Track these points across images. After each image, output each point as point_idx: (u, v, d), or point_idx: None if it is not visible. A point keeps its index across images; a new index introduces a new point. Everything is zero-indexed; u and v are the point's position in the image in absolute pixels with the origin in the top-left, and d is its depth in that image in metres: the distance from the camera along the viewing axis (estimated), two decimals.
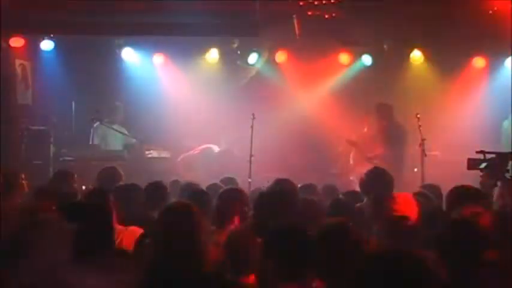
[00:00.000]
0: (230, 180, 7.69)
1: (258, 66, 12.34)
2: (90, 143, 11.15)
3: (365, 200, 6.38)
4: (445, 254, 3.72)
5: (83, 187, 7.74)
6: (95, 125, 11.08)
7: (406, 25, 10.93)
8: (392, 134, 10.59)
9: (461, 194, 5.33)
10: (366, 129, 10.98)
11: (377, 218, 5.17)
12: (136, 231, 5.14)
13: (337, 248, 3.63)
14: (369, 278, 2.83)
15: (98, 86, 11.77)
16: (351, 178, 10.50)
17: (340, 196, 6.29)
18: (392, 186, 6.35)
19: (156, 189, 6.44)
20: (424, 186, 7.13)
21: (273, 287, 3.53)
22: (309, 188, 6.73)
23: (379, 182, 6.40)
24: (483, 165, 5.77)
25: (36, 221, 2.70)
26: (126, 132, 11.38)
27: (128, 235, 5.08)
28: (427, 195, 6.18)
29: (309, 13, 10.91)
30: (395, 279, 2.83)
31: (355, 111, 11.01)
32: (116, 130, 11.33)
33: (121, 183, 7.03)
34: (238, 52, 12.18)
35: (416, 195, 6.01)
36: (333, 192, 6.82)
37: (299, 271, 3.56)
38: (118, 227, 5.02)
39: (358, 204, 6.20)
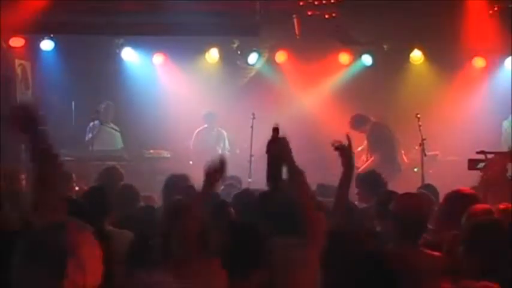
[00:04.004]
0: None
1: (258, 66, 12.33)
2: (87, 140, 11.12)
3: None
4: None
5: (76, 188, 7.72)
6: (91, 124, 11.04)
7: (406, 25, 10.93)
8: (377, 135, 10.53)
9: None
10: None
11: (381, 219, 5.17)
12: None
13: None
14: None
15: (98, 86, 11.76)
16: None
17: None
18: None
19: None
20: (421, 187, 7.14)
21: None
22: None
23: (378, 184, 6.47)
24: (482, 165, 5.77)
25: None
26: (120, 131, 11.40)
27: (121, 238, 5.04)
28: None
29: (309, 13, 10.92)
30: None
31: (355, 111, 10.98)
32: (116, 130, 11.33)
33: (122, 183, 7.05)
34: (238, 52, 12.17)
35: None
36: (326, 192, 6.81)
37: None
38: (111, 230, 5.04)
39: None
